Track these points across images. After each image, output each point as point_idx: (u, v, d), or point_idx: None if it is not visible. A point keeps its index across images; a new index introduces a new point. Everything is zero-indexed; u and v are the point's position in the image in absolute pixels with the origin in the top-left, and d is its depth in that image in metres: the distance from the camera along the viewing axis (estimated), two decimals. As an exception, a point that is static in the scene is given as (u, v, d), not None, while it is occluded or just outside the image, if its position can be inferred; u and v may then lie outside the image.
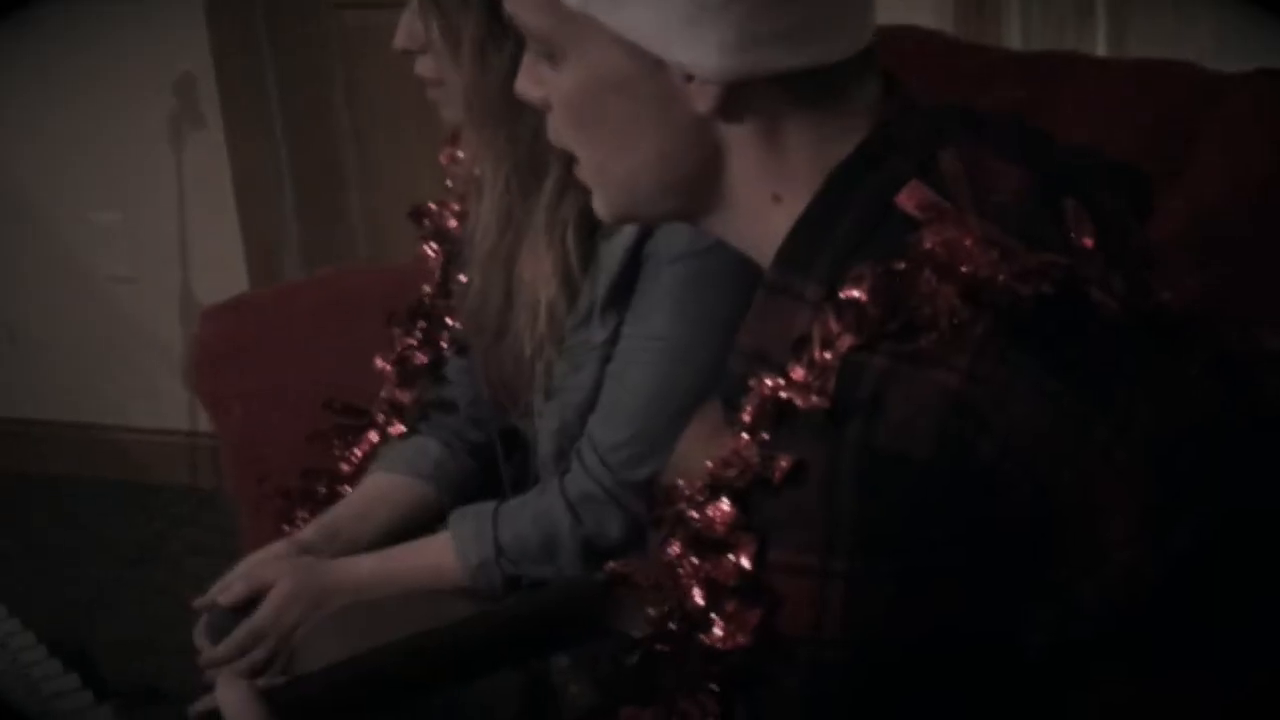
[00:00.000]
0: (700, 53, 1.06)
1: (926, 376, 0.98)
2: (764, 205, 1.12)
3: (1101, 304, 1.01)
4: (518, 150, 1.63)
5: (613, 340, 1.67)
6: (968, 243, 1.01)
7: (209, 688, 1.73)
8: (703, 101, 1.08)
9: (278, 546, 1.82)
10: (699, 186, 1.14)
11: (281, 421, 2.17)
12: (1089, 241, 1.04)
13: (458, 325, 1.89)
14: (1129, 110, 1.85)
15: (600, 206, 1.19)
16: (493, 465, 1.91)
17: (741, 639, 1.03)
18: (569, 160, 1.60)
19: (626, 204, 1.18)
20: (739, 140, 1.11)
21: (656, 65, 1.08)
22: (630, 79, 1.09)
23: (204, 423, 3.57)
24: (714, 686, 1.05)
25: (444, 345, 1.94)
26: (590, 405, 1.70)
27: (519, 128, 1.61)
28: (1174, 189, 1.67)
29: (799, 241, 1.09)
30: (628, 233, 1.63)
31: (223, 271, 3.45)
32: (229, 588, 1.78)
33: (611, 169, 1.15)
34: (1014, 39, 2.70)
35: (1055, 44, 2.71)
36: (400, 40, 1.68)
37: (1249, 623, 1.07)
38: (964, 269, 1.00)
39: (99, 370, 3.69)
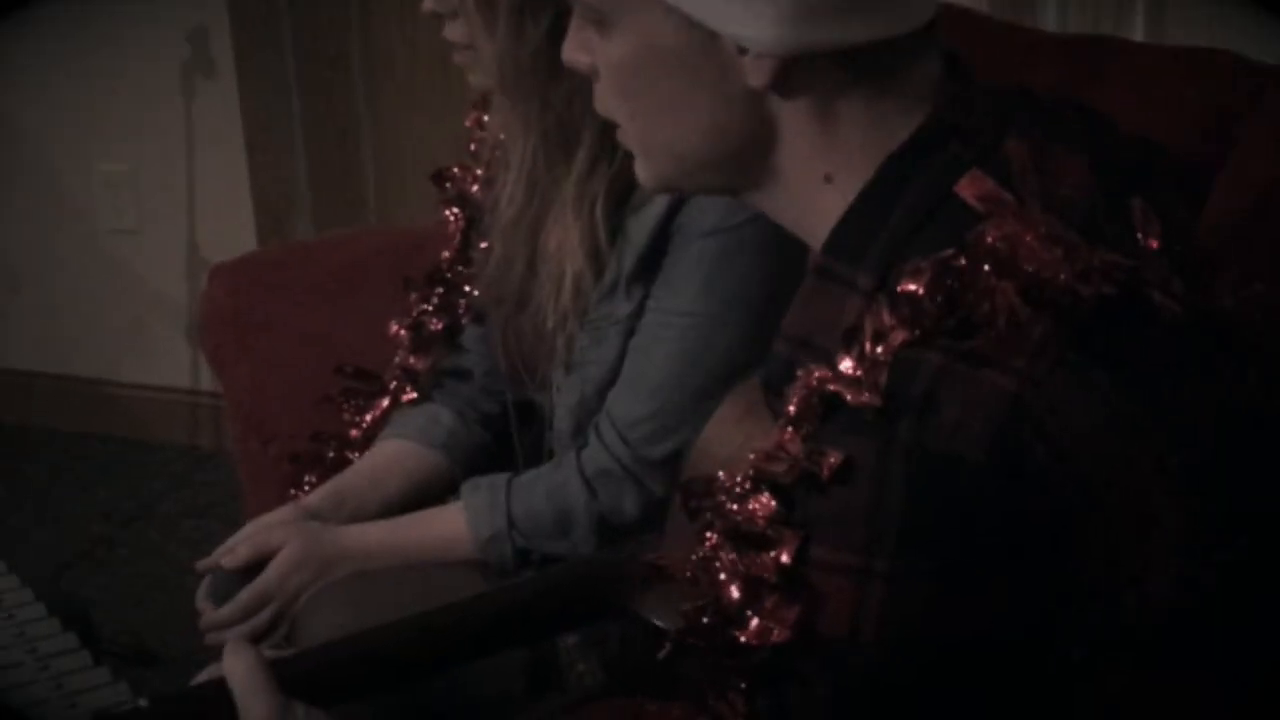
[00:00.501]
0: (755, 25, 1.04)
1: (982, 377, 0.96)
2: (815, 185, 1.09)
3: (1164, 308, 0.99)
4: (548, 120, 1.61)
5: (638, 314, 1.66)
6: (1029, 239, 0.98)
7: (207, 650, 1.73)
8: (756, 76, 1.06)
9: (284, 511, 1.80)
10: (748, 162, 1.11)
11: (289, 384, 2.15)
12: (1154, 243, 1.02)
13: (476, 293, 1.87)
14: (1172, 98, 1.82)
15: (644, 175, 1.16)
16: (506, 438, 1.89)
17: (778, 636, 1.01)
18: (601, 133, 1.59)
19: (672, 174, 1.15)
20: (792, 116, 1.08)
21: (709, 37, 1.06)
22: (682, 50, 1.07)
23: (205, 381, 3.57)
24: (743, 684, 1.03)
25: (461, 313, 1.91)
26: (611, 380, 1.68)
27: (551, 97, 1.59)
28: (1217, 183, 1.64)
29: (851, 227, 1.07)
30: (657, 206, 1.61)
31: (230, 227, 3.42)
32: (234, 550, 1.76)
33: (658, 140, 1.12)
34: (1049, 23, 2.67)
35: (1092, 29, 2.67)
36: (429, 3, 1.65)
37: (1253, 620, 1.05)
38: (1026, 267, 0.97)
39: (100, 324, 3.67)
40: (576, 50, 1.14)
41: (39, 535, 3.30)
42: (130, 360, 3.66)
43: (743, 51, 1.05)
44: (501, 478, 1.72)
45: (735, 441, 1.23)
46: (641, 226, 1.62)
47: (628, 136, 1.15)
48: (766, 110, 1.08)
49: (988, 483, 0.95)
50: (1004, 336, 0.96)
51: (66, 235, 3.62)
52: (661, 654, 1.08)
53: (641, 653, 1.38)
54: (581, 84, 1.50)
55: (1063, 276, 0.97)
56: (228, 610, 1.73)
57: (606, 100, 1.14)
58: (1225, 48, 1.97)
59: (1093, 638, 0.99)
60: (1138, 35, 2.70)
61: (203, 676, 1.26)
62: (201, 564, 1.80)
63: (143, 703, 1.18)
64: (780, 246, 1.58)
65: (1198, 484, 0.99)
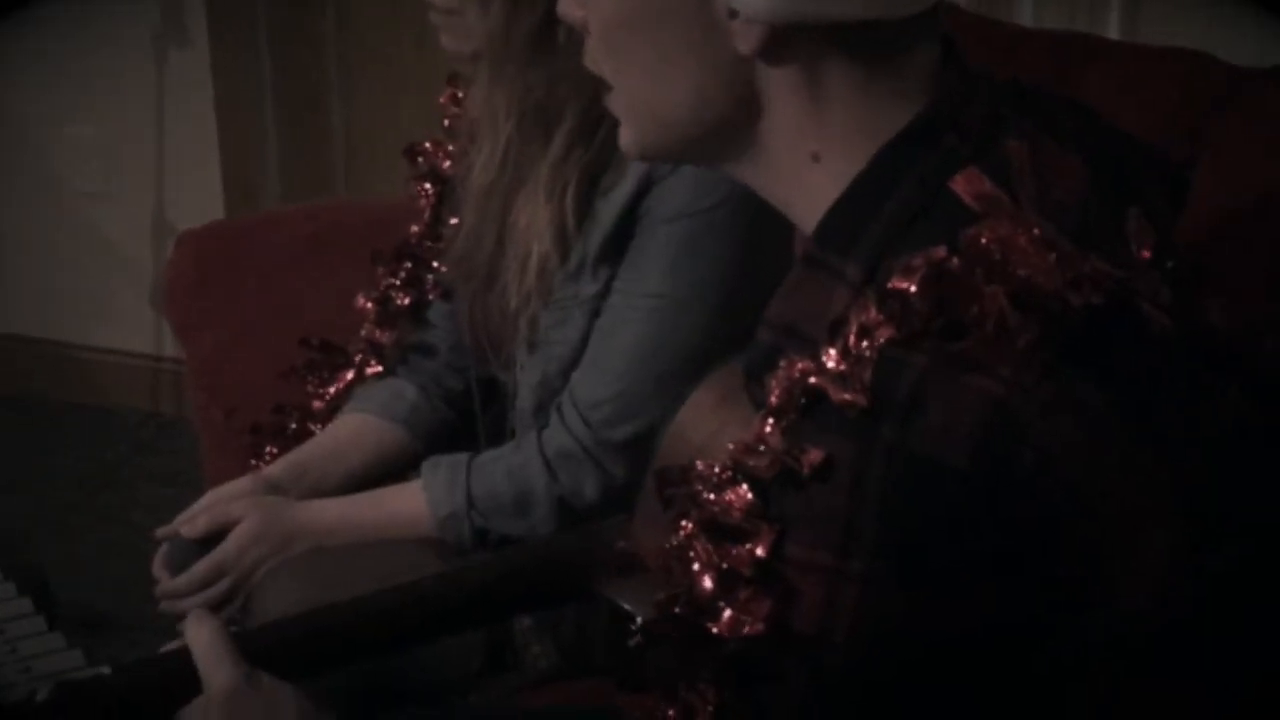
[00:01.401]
0: None
1: (969, 381, 0.95)
2: (802, 163, 1.07)
3: (1153, 319, 0.98)
4: (531, 95, 1.60)
5: (603, 294, 1.65)
6: (1023, 242, 0.96)
7: (166, 618, 1.72)
8: (745, 41, 1.03)
9: (245, 482, 1.79)
10: (733, 132, 1.08)
11: (252, 354, 2.14)
12: (1147, 253, 1.01)
13: (444, 269, 1.86)
14: (1149, 96, 1.82)
15: (626, 140, 1.14)
16: (468, 415, 1.88)
17: (750, 629, 1.00)
18: (582, 115, 1.59)
19: (655, 140, 1.13)
20: (779, 88, 1.05)
21: None
22: (672, 8, 1.05)
23: (170, 348, 3.54)
24: (715, 677, 1.02)
25: (428, 288, 1.91)
26: (574, 361, 1.67)
27: (538, 71, 1.58)
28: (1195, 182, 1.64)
29: (842, 216, 1.05)
30: (625, 188, 1.61)
31: (198, 194, 3.38)
32: (193, 520, 1.76)
33: (644, 101, 1.10)
34: (1025, 19, 2.67)
35: (1067, 25, 2.68)
36: None
37: (1243, 629, 1.05)
38: (1018, 271, 0.96)
39: (64, 287, 3.63)
40: (570, 3, 1.12)
41: (-2, 503, 3.28)
42: (94, 325, 3.63)
43: (733, 15, 1.03)
44: (462, 457, 1.72)
45: (710, 427, 1.22)
46: (610, 208, 1.61)
47: (614, 99, 1.12)
48: (753, 79, 1.05)
49: (971, 488, 0.94)
50: (992, 341, 0.95)
51: (32, 197, 3.58)
52: (632, 642, 1.08)
53: (606, 637, 1.38)
54: (567, 67, 1.51)
55: (1054, 284, 0.95)
56: (184, 580, 1.73)
57: (596, 57, 1.11)
58: (1199, 47, 1.98)
59: (1076, 646, 0.98)
60: (1112, 33, 2.70)
61: (170, 647, 1.24)
62: (160, 531, 1.79)
63: (105, 670, 1.17)
64: (750, 233, 1.59)
65: (1185, 496, 0.98)
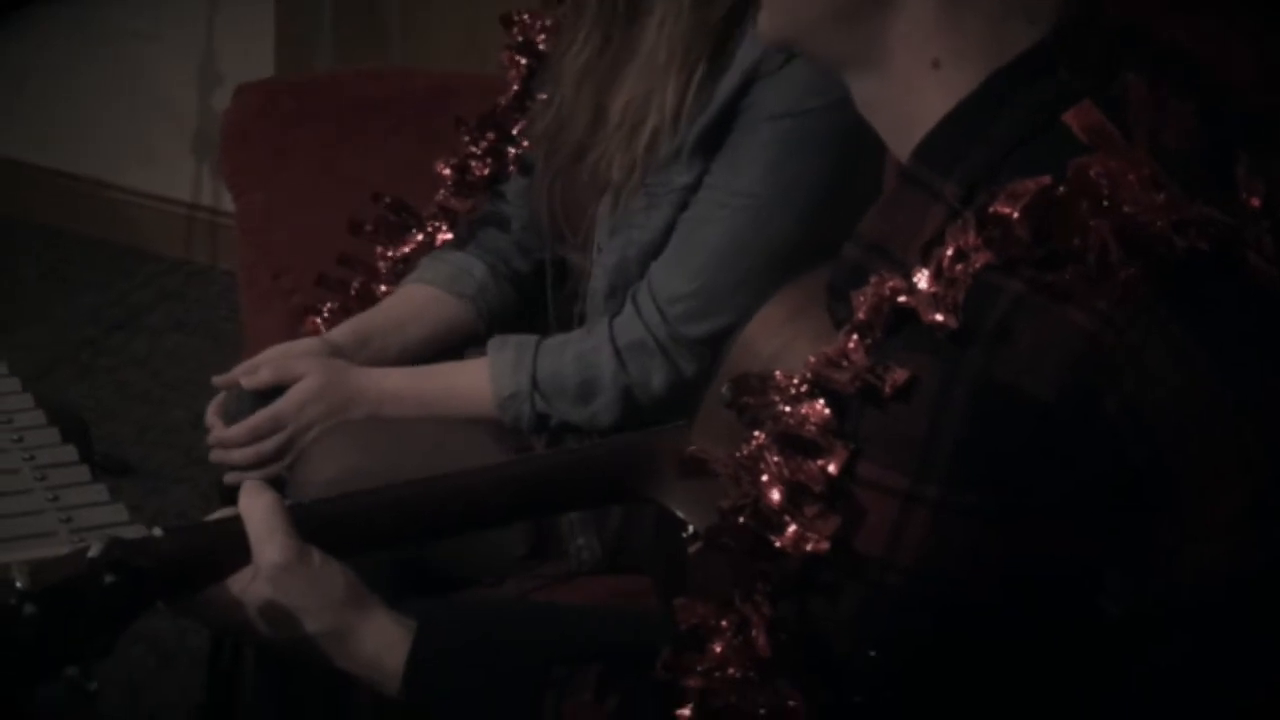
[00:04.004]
0: None
1: (1062, 313, 0.94)
2: (921, 70, 1.05)
3: (1257, 270, 0.97)
4: None
5: (694, 187, 1.63)
6: (1132, 179, 0.95)
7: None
8: None
9: (309, 342, 1.78)
10: (864, 25, 1.06)
11: (304, 215, 2.13)
12: (1257, 202, 0.99)
13: (526, 145, 1.83)
14: (1246, 56, 1.78)
15: (764, 24, 1.11)
16: (534, 300, 1.86)
17: (814, 546, 0.99)
18: None
19: (789, 26, 1.10)
20: None
21: None
22: None
23: (207, 197, 3.51)
24: (773, 590, 1.01)
25: (509, 161, 1.88)
26: (654, 248, 1.66)
27: None
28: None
29: (946, 135, 1.03)
30: (731, 79, 1.59)
31: (249, 44, 3.33)
32: (254, 372, 1.74)
33: None
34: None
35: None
36: None
37: None
38: (1125, 207, 0.94)
39: (104, 125, 3.57)
40: None
41: (24, 334, 3.25)
42: (132, 166, 3.58)
43: None
44: (531, 338, 1.70)
45: (779, 341, 1.24)
46: (713, 100, 1.59)
47: None
48: None
49: (1052, 424, 0.93)
50: (1091, 275, 0.94)
51: (79, 31, 3.52)
52: (692, 548, 1.07)
53: (652, 539, 1.37)
54: None
55: (1160, 224, 0.94)
56: (238, 429, 1.71)
57: None
58: None
59: (1144, 597, 0.97)
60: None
61: (219, 515, 1.23)
62: (218, 379, 1.77)
63: (157, 532, 1.16)
64: (848, 144, 1.57)
65: (1267, 457, 0.97)
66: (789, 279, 1.30)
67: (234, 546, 1.16)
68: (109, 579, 1.10)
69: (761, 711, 1.02)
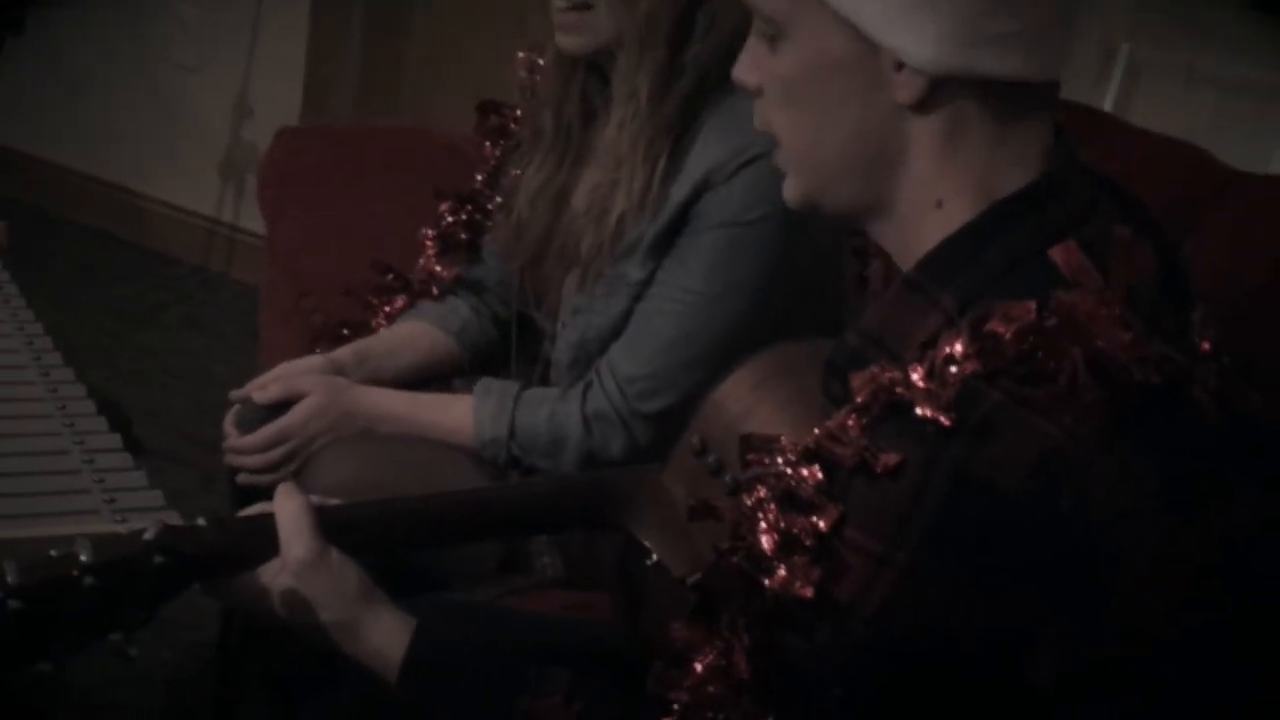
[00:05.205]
0: (917, 40, 1.01)
1: (1035, 423, 0.95)
2: (926, 209, 1.07)
3: (1202, 404, 0.99)
4: (659, 72, 1.59)
5: (648, 282, 1.65)
6: (1105, 316, 0.97)
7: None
8: (906, 91, 1.03)
9: (314, 360, 1.79)
10: (878, 178, 1.07)
11: (327, 247, 2.13)
12: (1208, 346, 1.02)
13: (492, 241, 1.85)
14: (1148, 178, 1.82)
15: (790, 191, 1.12)
16: (509, 337, 1.87)
17: (799, 590, 1.00)
18: (685, 99, 1.58)
19: (813, 187, 1.11)
20: (925, 137, 1.05)
21: (871, 50, 1.03)
22: (844, 61, 1.04)
23: (227, 214, 3.51)
24: (754, 623, 1.03)
25: (484, 230, 1.89)
26: (612, 332, 1.67)
27: (675, 56, 1.58)
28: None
29: (949, 253, 1.05)
30: (683, 189, 1.60)
31: (280, 85, 3.35)
32: (265, 387, 1.75)
33: (809, 147, 1.09)
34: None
35: (1065, 95, 2.66)
36: None
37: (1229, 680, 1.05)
38: (1097, 340, 0.96)
39: (144, 142, 3.58)
40: (748, 69, 1.11)
41: (53, 320, 3.21)
42: (164, 180, 3.58)
43: (899, 67, 1.02)
44: (512, 387, 1.72)
45: (745, 404, 1.23)
46: (666, 206, 1.61)
47: (784, 152, 1.11)
48: (903, 127, 1.05)
49: (1015, 513, 0.95)
50: (1062, 394, 0.95)
51: (133, 58, 3.52)
52: (690, 581, 1.08)
53: (616, 562, 1.39)
54: (702, 49, 1.54)
55: (1124, 357, 0.96)
56: (251, 439, 1.73)
57: (767, 114, 1.10)
58: (1187, 132, 1.97)
59: (1077, 664, 0.99)
60: (1108, 105, 2.70)
61: (251, 511, 1.24)
62: (234, 394, 1.78)
63: (201, 522, 1.16)
64: (784, 247, 1.60)
65: (1200, 567, 0.99)
66: (736, 359, 1.28)
67: (266, 541, 1.17)
68: (158, 559, 1.10)
69: None
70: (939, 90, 1.03)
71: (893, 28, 1.01)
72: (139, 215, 3.61)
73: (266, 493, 1.69)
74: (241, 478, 1.73)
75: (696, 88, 1.57)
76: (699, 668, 1.04)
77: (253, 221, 3.44)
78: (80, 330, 3.21)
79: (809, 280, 1.60)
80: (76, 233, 3.61)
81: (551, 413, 1.68)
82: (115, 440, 1.49)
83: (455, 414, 1.72)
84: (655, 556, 1.25)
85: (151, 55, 3.50)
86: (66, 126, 3.64)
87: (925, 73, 1.02)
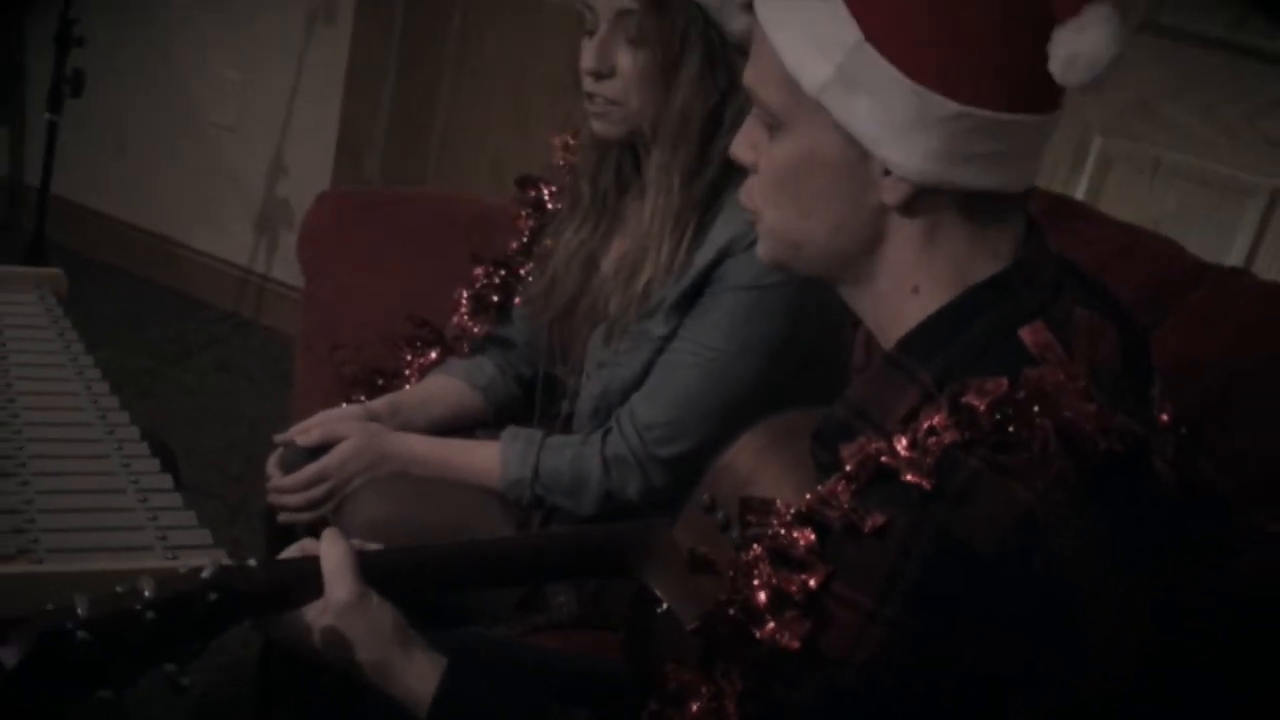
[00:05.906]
0: (907, 155, 1.03)
1: (1010, 488, 0.97)
2: (903, 293, 1.08)
3: (1160, 473, 1.01)
4: (689, 161, 1.62)
5: (670, 337, 1.66)
6: (1072, 389, 0.99)
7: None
8: (891, 195, 1.05)
9: (352, 408, 1.81)
10: (854, 262, 1.10)
11: (361, 304, 2.14)
12: (1166, 419, 1.03)
13: (526, 290, 1.87)
14: (1112, 273, 1.83)
15: (763, 250, 1.14)
16: (533, 395, 1.89)
17: (788, 642, 1.02)
18: (710, 185, 1.61)
19: (787, 256, 1.13)
20: (904, 233, 1.07)
21: (863, 155, 1.04)
22: (836, 161, 1.06)
23: (260, 265, 3.52)
24: (746, 670, 1.04)
25: (515, 293, 1.91)
26: (634, 383, 1.69)
27: (705, 147, 1.61)
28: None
29: (927, 334, 1.07)
30: (706, 254, 1.62)
31: (313, 147, 3.37)
32: (306, 431, 1.76)
33: (789, 230, 1.11)
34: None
35: (1042, 184, 2.68)
36: (590, 62, 1.62)
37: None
38: (1064, 412, 0.98)
39: (184, 196, 3.60)
40: (745, 146, 1.12)
41: (95, 358, 3.22)
42: (201, 231, 3.60)
43: (886, 173, 1.04)
44: (537, 434, 1.73)
45: (752, 466, 1.24)
46: (691, 270, 1.63)
47: (762, 221, 1.13)
48: (885, 223, 1.07)
49: (991, 571, 0.96)
50: (1034, 460, 0.97)
51: (176, 119, 3.55)
52: (691, 628, 1.09)
53: (628, 608, 1.40)
54: (724, 142, 1.52)
55: (1089, 428, 0.98)
56: (292, 478, 1.74)
57: (755, 192, 1.12)
58: (1153, 220, 1.97)
59: (1049, 703, 1.00)
60: (1080, 193, 2.72)
61: (289, 553, 1.25)
62: (278, 437, 1.79)
63: (251, 562, 1.17)
64: (798, 311, 1.62)
65: (1152, 624, 1.01)
66: (747, 414, 1.30)
67: (311, 583, 1.17)
68: (213, 596, 1.11)
69: None
70: (922, 195, 1.04)
71: (886, 140, 1.03)
72: (178, 263, 3.63)
73: (302, 531, 1.72)
74: (283, 517, 1.75)
75: (722, 172, 1.60)
76: (694, 708, 1.06)
77: (283, 272, 3.46)
78: (120, 369, 3.21)
79: (819, 347, 1.62)
80: (119, 278, 3.62)
81: (574, 456, 1.69)
82: (167, 480, 1.50)
83: (482, 457, 1.73)
84: (666, 605, 1.26)
85: (194, 116, 3.52)
86: (114, 180, 3.66)
87: (911, 181, 1.04)
